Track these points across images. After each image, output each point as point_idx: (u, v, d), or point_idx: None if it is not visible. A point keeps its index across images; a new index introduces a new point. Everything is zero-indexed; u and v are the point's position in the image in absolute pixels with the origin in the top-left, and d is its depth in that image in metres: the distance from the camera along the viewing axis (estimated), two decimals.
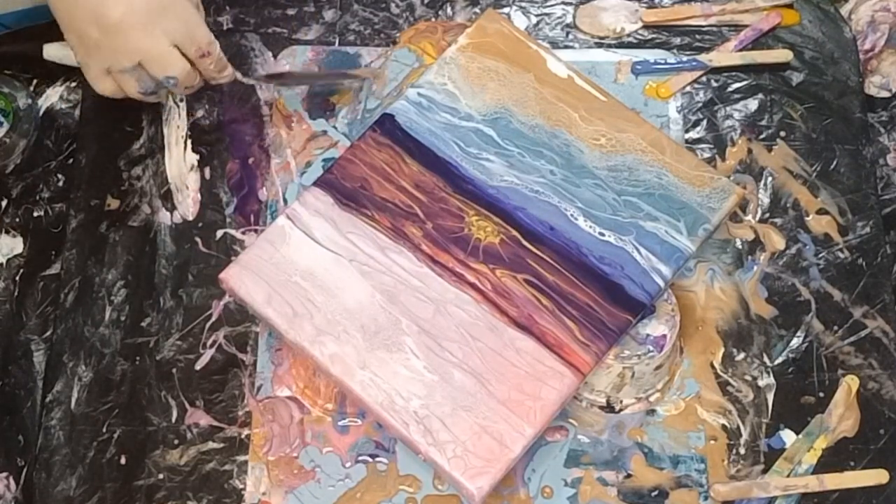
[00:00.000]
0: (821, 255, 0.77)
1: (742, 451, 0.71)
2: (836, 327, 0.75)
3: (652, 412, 0.72)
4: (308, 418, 0.72)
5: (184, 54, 0.71)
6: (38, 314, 0.78)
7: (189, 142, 0.80)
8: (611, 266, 0.70)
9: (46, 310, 0.78)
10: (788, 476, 0.71)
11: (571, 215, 0.72)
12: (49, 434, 0.72)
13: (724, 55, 0.82)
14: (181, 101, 0.81)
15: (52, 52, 0.78)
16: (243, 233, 0.77)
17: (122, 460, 0.71)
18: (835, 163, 0.80)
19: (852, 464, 0.71)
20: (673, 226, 0.72)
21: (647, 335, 0.70)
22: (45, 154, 0.83)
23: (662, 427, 0.72)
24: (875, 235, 0.77)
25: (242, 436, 0.72)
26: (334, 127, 0.80)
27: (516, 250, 0.71)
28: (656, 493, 0.70)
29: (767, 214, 0.78)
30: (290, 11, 0.84)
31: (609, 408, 0.72)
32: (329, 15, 0.85)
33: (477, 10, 0.85)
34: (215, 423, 0.72)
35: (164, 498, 0.70)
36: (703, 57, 0.82)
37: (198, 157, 0.80)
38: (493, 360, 0.68)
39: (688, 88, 0.82)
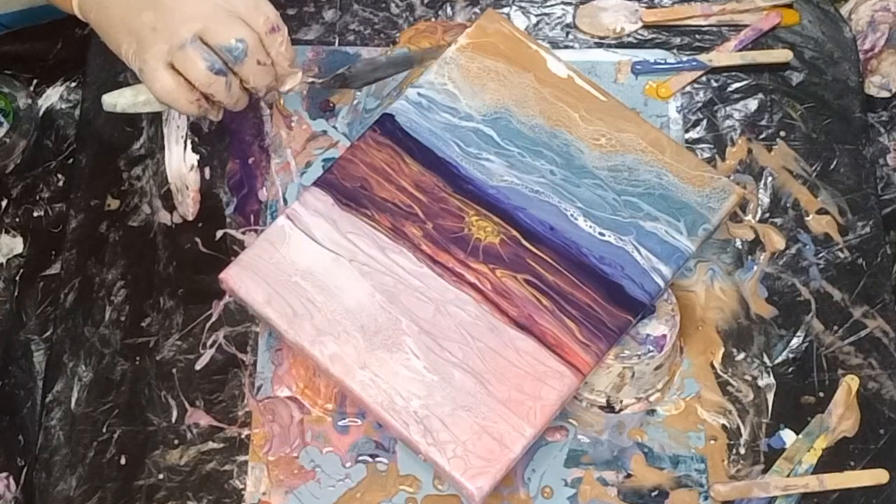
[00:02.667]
0: (821, 255, 0.77)
1: (742, 451, 0.71)
2: (836, 327, 0.75)
3: (652, 412, 0.72)
4: (308, 418, 0.72)
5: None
6: (38, 314, 0.78)
7: (189, 142, 0.80)
8: (611, 266, 0.70)
9: (46, 310, 0.78)
10: (788, 476, 0.71)
11: (571, 215, 0.72)
12: (49, 434, 0.72)
13: (724, 55, 0.82)
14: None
15: (111, 100, 0.72)
16: (243, 233, 0.77)
17: (122, 460, 0.71)
18: (835, 163, 0.80)
19: (852, 464, 0.71)
20: (673, 226, 0.72)
21: (647, 335, 0.70)
22: (45, 154, 0.83)
23: (662, 427, 0.72)
24: (875, 235, 0.77)
25: (242, 436, 0.72)
26: (334, 127, 0.80)
27: (516, 250, 0.71)
28: (656, 493, 0.70)
29: (767, 214, 0.78)
30: (290, 11, 0.84)
31: (609, 408, 0.72)
32: (329, 15, 0.85)
33: (477, 10, 0.85)
34: (215, 423, 0.72)
35: (164, 498, 0.70)
36: (703, 57, 0.82)
37: (198, 157, 0.80)
38: (493, 360, 0.68)
39: (688, 88, 0.82)
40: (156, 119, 0.81)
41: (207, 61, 0.64)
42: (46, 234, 0.80)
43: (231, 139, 0.80)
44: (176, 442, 0.72)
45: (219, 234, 0.77)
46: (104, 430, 0.72)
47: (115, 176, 0.79)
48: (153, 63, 0.65)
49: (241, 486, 0.70)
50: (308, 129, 0.80)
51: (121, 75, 0.82)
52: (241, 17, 0.65)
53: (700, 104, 0.82)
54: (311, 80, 0.76)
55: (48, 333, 0.76)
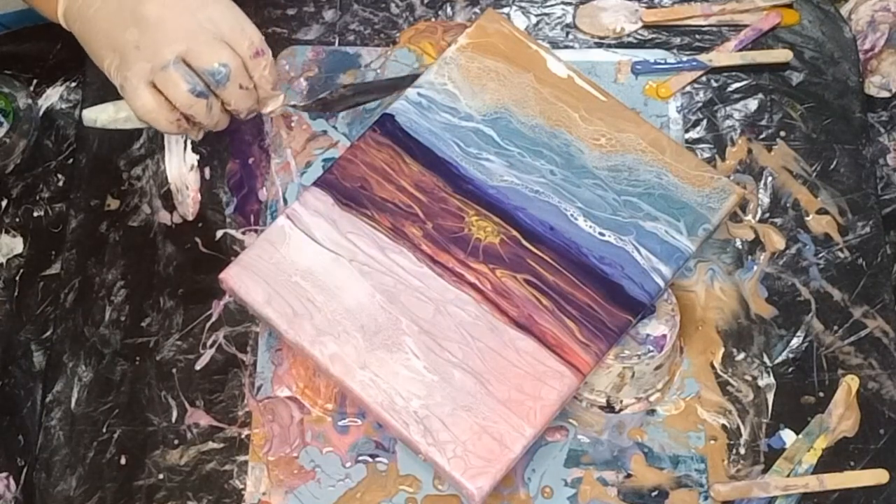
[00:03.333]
0: (821, 255, 0.77)
1: (742, 450, 0.71)
2: (836, 327, 0.75)
3: (652, 412, 0.72)
4: (308, 418, 0.72)
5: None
6: (38, 314, 0.78)
7: (189, 142, 0.80)
8: (611, 266, 0.70)
9: (46, 310, 0.78)
10: (788, 476, 0.71)
11: (571, 215, 0.72)
12: (49, 434, 0.72)
13: (724, 55, 0.82)
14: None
15: (91, 115, 0.71)
16: (243, 233, 0.77)
17: (122, 460, 0.71)
18: (835, 163, 0.80)
19: (852, 464, 0.71)
20: (673, 226, 0.72)
21: (647, 335, 0.70)
22: (45, 154, 0.83)
23: (662, 427, 0.72)
24: (875, 235, 0.77)
25: (242, 436, 0.72)
26: (334, 127, 0.81)
27: (516, 250, 0.71)
28: (656, 493, 0.70)
29: (767, 214, 0.78)
30: (290, 11, 0.84)
31: (609, 408, 0.72)
32: (329, 15, 0.85)
33: (477, 10, 0.85)
34: (215, 423, 0.72)
35: (164, 498, 0.70)
36: (703, 57, 0.82)
37: (198, 157, 0.80)
38: (493, 360, 0.68)
39: (688, 88, 0.82)
40: None
41: (189, 84, 0.64)
42: (46, 234, 0.80)
43: (231, 139, 0.80)
44: (176, 442, 0.72)
45: (219, 234, 0.77)
46: (104, 430, 0.72)
47: (115, 176, 0.79)
48: (135, 81, 0.64)
49: (241, 486, 0.70)
50: (308, 129, 0.80)
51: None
52: (226, 41, 0.64)
53: (700, 104, 0.82)
54: (293, 104, 0.76)
55: (48, 333, 0.76)
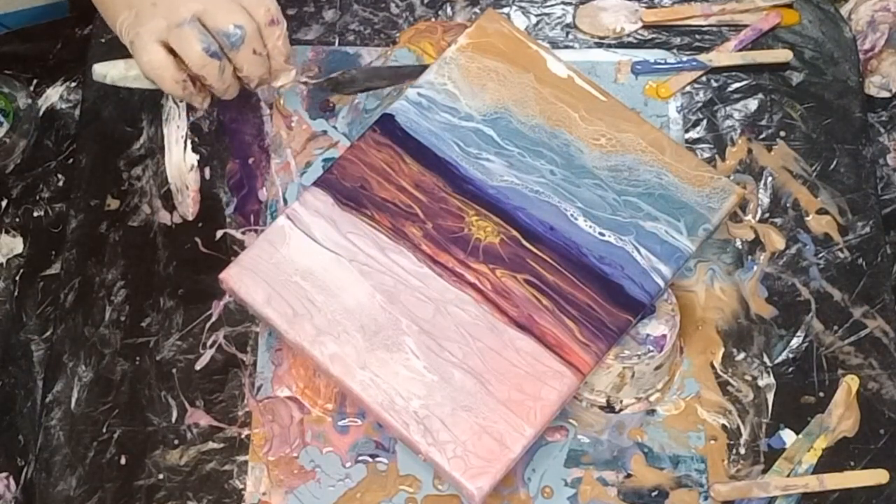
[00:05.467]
0: (821, 255, 0.77)
1: (742, 450, 0.71)
2: (836, 327, 0.75)
3: (652, 412, 0.72)
4: (308, 418, 0.72)
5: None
6: (38, 314, 0.78)
7: (189, 142, 0.80)
8: (611, 266, 0.70)
9: (46, 310, 0.78)
10: (788, 476, 0.71)
11: (571, 215, 0.72)
12: (49, 434, 0.72)
13: (724, 55, 0.82)
14: (181, 101, 0.80)
15: (102, 70, 0.71)
16: (243, 233, 0.77)
17: (122, 460, 0.71)
18: (835, 163, 0.80)
19: (852, 464, 0.71)
20: (673, 226, 0.72)
21: (647, 335, 0.70)
22: (45, 154, 0.83)
23: (662, 427, 0.72)
24: (875, 235, 0.77)
25: (242, 436, 0.72)
26: (334, 127, 0.80)
27: (516, 250, 0.71)
28: (656, 493, 0.70)
29: (767, 214, 0.78)
30: (290, 11, 0.84)
31: (609, 408, 0.72)
32: (329, 15, 0.85)
33: (477, 10, 0.85)
34: (215, 423, 0.72)
35: (164, 498, 0.70)
36: (703, 57, 0.82)
37: (198, 157, 0.80)
38: (493, 360, 0.68)
39: (688, 88, 0.82)
40: (156, 119, 0.81)
41: (203, 43, 0.64)
42: (46, 234, 0.80)
43: (231, 139, 0.80)
44: (176, 442, 0.72)
45: (219, 234, 0.77)
46: (104, 430, 0.72)
47: (115, 176, 0.79)
48: (146, 37, 0.64)
49: (241, 486, 0.70)
50: (308, 129, 0.80)
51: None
52: (243, 5, 0.64)
53: (700, 104, 0.82)
54: (304, 79, 0.76)
55: (48, 333, 0.76)
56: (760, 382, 0.73)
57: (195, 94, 0.68)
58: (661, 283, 0.70)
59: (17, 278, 0.79)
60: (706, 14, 0.84)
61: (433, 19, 0.84)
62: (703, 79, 0.82)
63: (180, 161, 0.79)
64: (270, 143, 0.80)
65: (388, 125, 0.75)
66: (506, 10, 0.85)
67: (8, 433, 0.75)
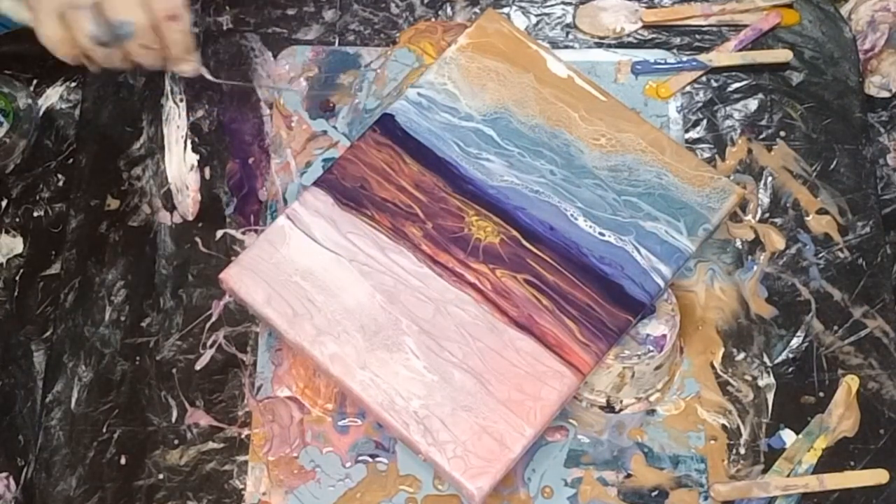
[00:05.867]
0: (821, 255, 0.77)
1: (742, 450, 0.71)
2: (836, 327, 0.75)
3: (652, 412, 0.72)
4: (308, 418, 0.72)
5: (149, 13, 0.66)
6: (38, 314, 0.78)
7: (189, 142, 0.80)
8: (611, 266, 0.70)
9: (46, 310, 0.78)
10: (788, 476, 0.71)
11: (571, 215, 0.72)
12: (49, 434, 0.72)
13: (724, 55, 0.82)
14: (181, 101, 0.80)
15: (5, 5, 0.71)
16: (243, 233, 0.77)
17: (122, 460, 0.71)
18: (835, 163, 0.80)
19: (852, 464, 0.71)
20: (673, 226, 0.72)
21: (647, 335, 0.70)
22: (45, 154, 0.83)
23: (662, 427, 0.72)
24: (875, 235, 0.77)
25: (242, 436, 0.72)
26: (334, 127, 0.81)
27: (516, 250, 0.71)
28: (656, 493, 0.70)
29: (767, 214, 0.78)
30: (290, 11, 0.84)
31: (609, 408, 0.72)
32: (329, 15, 0.85)
33: (477, 10, 0.85)
34: (215, 423, 0.72)
35: (164, 498, 0.70)
36: (703, 57, 0.82)
37: (198, 157, 0.80)
38: (493, 360, 0.68)
39: (688, 88, 0.82)
40: (156, 119, 0.81)
41: (93, 30, 0.66)
42: (46, 234, 0.80)
43: (231, 139, 0.80)
44: (176, 442, 0.72)
45: (219, 234, 0.77)
46: (104, 430, 0.72)
47: (115, 176, 0.79)
48: (45, 10, 0.66)
49: (241, 486, 0.70)
50: (308, 129, 0.80)
51: (120, 76, 0.82)
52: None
53: (700, 104, 0.82)
54: (210, 77, 0.74)
55: (48, 333, 0.76)
56: (760, 382, 0.73)
57: (89, 64, 0.70)
58: (661, 283, 0.70)
59: (17, 278, 0.79)
60: (706, 14, 0.84)
61: (433, 19, 0.84)
62: (703, 79, 0.82)
63: (180, 161, 0.79)
64: (270, 143, 0.80)
65: (388, 125, 0.75)
66: (506, 10, 0.85)
67: (8, 433, 0.75)
